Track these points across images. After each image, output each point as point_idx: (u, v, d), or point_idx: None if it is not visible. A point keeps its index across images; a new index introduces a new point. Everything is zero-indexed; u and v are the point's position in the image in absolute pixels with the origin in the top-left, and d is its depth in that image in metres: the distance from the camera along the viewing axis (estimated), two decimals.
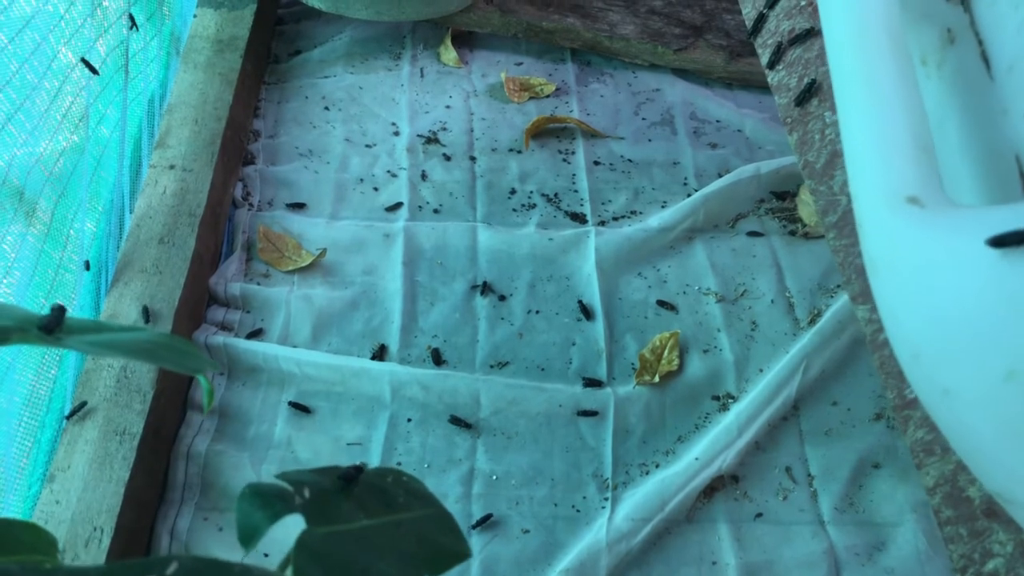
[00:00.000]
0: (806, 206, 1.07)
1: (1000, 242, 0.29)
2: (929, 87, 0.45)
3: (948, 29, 0.43)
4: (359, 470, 0.42)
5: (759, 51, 0.70)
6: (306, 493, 0.38)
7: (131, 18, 0.98)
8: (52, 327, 0.34)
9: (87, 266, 0.88)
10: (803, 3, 0.67)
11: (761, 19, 0.70)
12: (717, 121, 1.17)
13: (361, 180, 1.09)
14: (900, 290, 0.32)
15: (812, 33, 0.65)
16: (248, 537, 0.35)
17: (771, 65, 0.68)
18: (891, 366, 0.52)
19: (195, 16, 1.15)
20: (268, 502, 0.37)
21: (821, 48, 0.65)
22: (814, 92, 0.63)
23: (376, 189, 1.08)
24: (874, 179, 0.34)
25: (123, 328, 0.38)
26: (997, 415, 0.29)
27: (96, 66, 0.98)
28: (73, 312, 0.89)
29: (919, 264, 0.31)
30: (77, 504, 0.76)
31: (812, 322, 0.97)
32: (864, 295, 0.55)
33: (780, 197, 1.08)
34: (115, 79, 1.04)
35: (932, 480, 0.47)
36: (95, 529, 0.75)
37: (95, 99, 0.94)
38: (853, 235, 0.57)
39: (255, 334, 0.95)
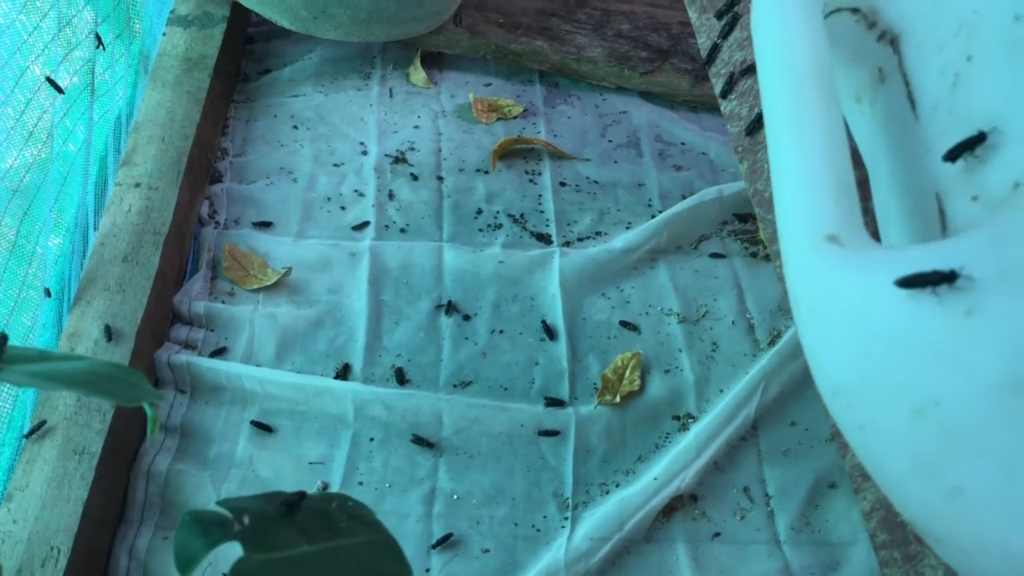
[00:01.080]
0: None
1: (908, 283, 0.30)
2: (863, 124, 0.47)
3: (879, 68, 0.44)
4: (302, 496, 0.42)
5: (713, 80, 0.72)
6: (246, 520, 0.39)
7: (98, 37, 0.98)
8: None
9: (48, 293, 0.88)
10: None
11: (715, 49, 0.72)
12: (682, 144, 1.19)
13: (328, 199, 1.10)
14: (819, 327, 0.33)
15: None
16: (185, 565, 0.35)
17: (723, 94, 0.69)
18: None
19: (164, 34, 1.15)
20: (207, 529, 0.37)
21: None
22: (763, 123, 0.65)
23: (343, 208, 1.09)
24: (796, 217, 0.35)
25: (67, 357, 0.38)
26: (907, 450, 0.30)
27: (64, 84, 0.98)
28: (34, 331, 0.89)
29: (835, 302, 0.33)
30: (34, 523, 0.76)
31: (772, 343, 0.99)
32: None
33: (743, 219, 1.10)
34: (82, 97, 1.04)
35: (868, 504, 0.48)
36: (52, 549, 0.75)
37: (61, 117, 0.95)
38: None
39: (219, 352, 0.95)
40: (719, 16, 0.72)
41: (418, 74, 1.23)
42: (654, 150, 1.18)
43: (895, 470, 0.31)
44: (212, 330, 0.97)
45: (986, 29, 0.35)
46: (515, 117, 1.20)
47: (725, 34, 0.71)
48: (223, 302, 0.99)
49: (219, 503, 0.39)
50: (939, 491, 0.29)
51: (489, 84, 1.25)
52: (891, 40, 0.43)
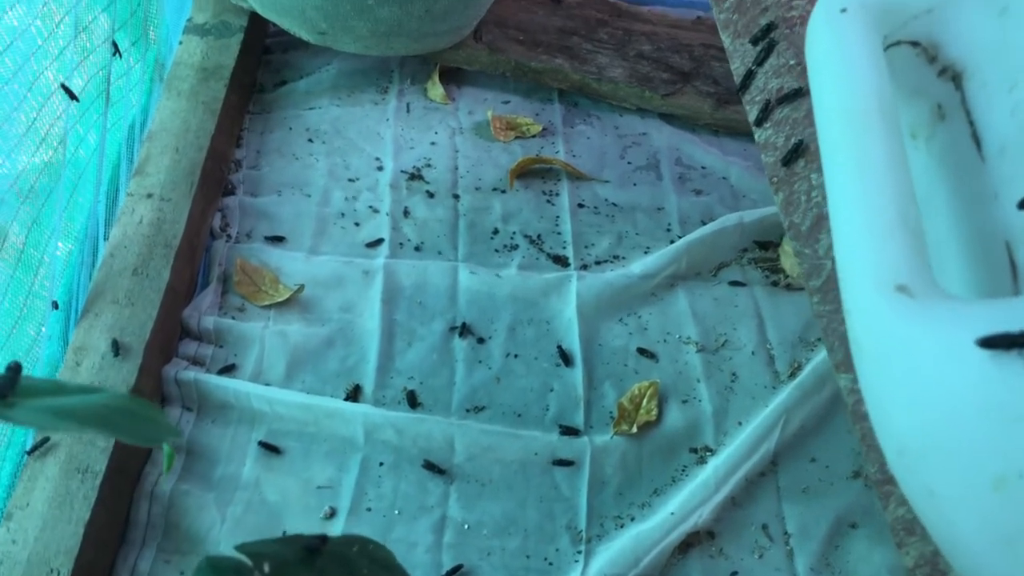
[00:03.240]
0: (788, 257, 1.07)
1: (990, 343, 0.28)
2: (918, 160, 0.45)
3: (939, 105, 0.42)
4: (323, 540, 0.40)
5: (747, 107, 0.70)
6: (266, 567, 0.37)
7: (114, 45, 0.97)
8: (5, 391, 0.32)
9: (55, 306, 0.86)
10: (792, 62, 0.67)
11: (749, 75, 0.70)
12: (703, 168, 1.17)
13: (342, 215, 1.08)
14: (887, 383, 0.31)
15: (800, 93, 0.65)
16: None
17: (759, 123, 0.68)
18: (872, 439, 0.51)
19: (180, 43, 1.14)
20: None
21: (809, 109, 0.64)
22: (801, 153, 0.63)
23: (357, 224, 1.07)
24: (862, 263, 0.33)
25: (82, 389, 0.36)
26: (984, 522, 0.28)
27: (78, 90, 0.96)
28: (40, 343, 0.87)
29: (907, 359, 0.30)
30: (34, 544, 0.74)
31: (792, 375, 0.96)
32: (847, 364, 0.54)
33: (763, 247, 1.08)
34: (96, 104, 1.02)
35: (912, 560, 0.46)
36: (52, 571, 0.73)
37: (75, 124, 0.93)
38: (837, 301, 0.57)
39: (227, 369, 0.93)
40: (754, 42, 0.70)
41: (436, 89, 1.21)
42: (674, 173, 1.16)
43: (970, 541, 0.29)
44: (221, 346, 0.95)
45: None
46: (533, 136, 1.18)
47: (760, 61, 0.69)
48: (233, 317, 0.97)
49: (238, 548, 0.37)
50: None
51: (508, 102, 1.23)
52: (953, 76, 0.41)
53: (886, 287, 0.32)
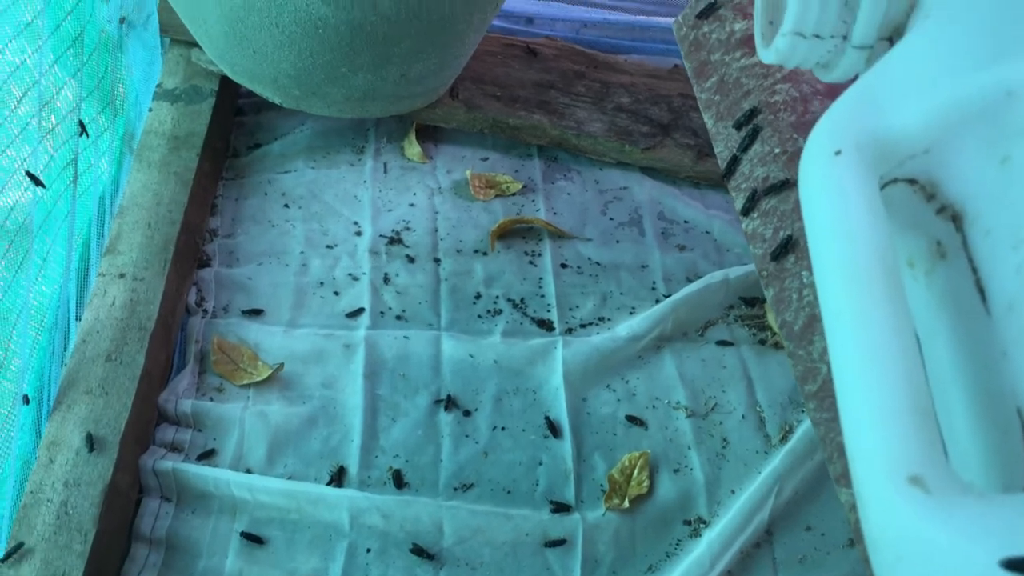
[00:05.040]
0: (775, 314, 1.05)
1: (1015, 566, 0.26)
2: (916, 292, 0.43)
3: (938, 242, 0.41)
4: None
5: (733, 194, 0.69)
6: None
7: (81, 124, 0.94)
8: None
9: (26, 400, 0.83)
10: (777, 150, 0.66)
11: (734, 162, 0.68)
12: (685, 222, 1.16)
13: (321, 283, 1.06)
14: None
15: (788, 184, 0.64)
16: None
17: (745, 212, 0.66)
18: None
19: (151, 110, 1.11)
20: None
21: (797, 201, 0.63)
22: (791, 248, 0.61)
23: (337, 293, 1.05)
24: (872, 449, 0.32)
25: None
26: None
27: (43, 165, 0.94)
28: (11, 440, 0.84)
29: (924, 561, 0.29)
30: None
31: (784, 439, 0.95)
32: (846, 477, 0.53)
33: (749, 303, 1.07)
34: (63, 177, 1.00)
35: None
36: None
37: (40, 208, 0.90)
38: (834, 409, 0.55)
39: (207, 455, 0.90)
40: (738, 127, 0.69)
41: (413, 148, 1.19)
42: (657, 229, 1.15)
43: None
44: (200, 430, 0.92)
45: None
46: (514, 194, 1.17)
47: (745, 147, 0.68)
48: (211, 399, 0.94)
49: None
50: None
51: (486, 158, 1.21)
52: (953, 216, 0.39)
53: (899, 478, 0.30)
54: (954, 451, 0.38)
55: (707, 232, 1.15)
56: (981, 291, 0.37)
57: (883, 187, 0.41)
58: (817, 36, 0.46)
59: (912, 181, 0.40)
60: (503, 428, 0.95)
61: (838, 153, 0.38)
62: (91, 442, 0.83)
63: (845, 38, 0.46)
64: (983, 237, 0.37)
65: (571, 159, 1.22)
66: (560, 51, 1.26)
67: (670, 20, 1.35)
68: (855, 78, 0.49)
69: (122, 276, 0.96)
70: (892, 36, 0.45)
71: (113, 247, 0.98)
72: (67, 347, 0.92)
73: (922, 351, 0.44)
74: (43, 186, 0.87)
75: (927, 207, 0.40)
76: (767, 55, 0.49)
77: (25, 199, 0.93)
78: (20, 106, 0.96)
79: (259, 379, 0.95)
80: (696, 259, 1.12)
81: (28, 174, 0.85)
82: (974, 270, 0.38)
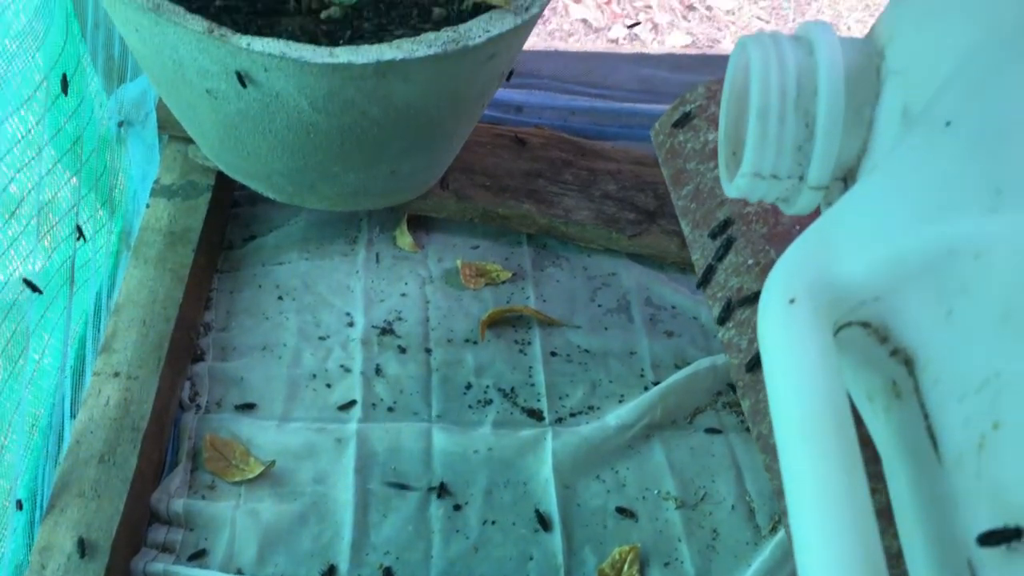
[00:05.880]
0: None
1: None
2: (877, 425, 0.45)
3: (894, 382, 0.42)
4: None
5: (709, 303, 0.70)
6: None
7: (79, 229, 0.97)
8: None
9: (19, 506, 0.84)
10: (750, 262, 0.68)
11: (710, 271, 0.70)
12: (673, 307, 1.18)
13: (314, 376, 1.07)
14: None
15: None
16: None
17: (721, 321, 0.68)
18: None
19: (148, 206, 1.14)
20: None
21: None
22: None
23: (329, 386, 1.06)
24: None
25: None
26: None
27: (39, 267, 0.96)
28: (4, 546, 0.84)
29: None
30: None
31: (773, 529, 0.95)
32: None
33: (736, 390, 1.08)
34: (60, 277, 1.02)
35: None
36: None
37: (40, 320, 0.92)
38: None
39: (198, 555, 0.90)
40: (713, 236, 0.71)
41: (404, 238, 1.22)
42: (645, 315, 1.17)
43: None
44: (192, 529, 0.93)
45: (1012, 399, 0.34)
46: (503, 282, 1.19)
47: (720, 256, 0.69)
48: (203, 497, 0.95)
49: None
50: None
51: (476, 246, 1.24)
52: (905, 360, 0.41)
53: None
54: None
55: (694, 318, 1.17)
56: (932, 437, 0.38)
57: (838, 330, 0.42)
58: (775, 176, 0.48)
59: (866, 324, 0.42)
60: (493, 522, 0.95)
61: (792, 301, 0.40)
62: (83, 547, 0.83)
63: (801, 178, 0.48)
64: (933, 385, 0.39)
65: (560, 246, 1.24)
66: (548, 140, 1.29)
67: (655, 107, 1.38)
68: (817, 209, 0.51)
69: (117, 375, 0.97)
70: (846, 177, 0.47)
71: (108, 345, 1.00)
72: (61, 447, 0.93)
73: (887, 481, 0.45)
74: (40, 292, 0.89)
75: (881, 349, 0.42)
76: (730, 189, 0.51)
77: (23, 297, 0.95)
78: (19, 209, 0.98)
79: (251, 476, 0.96)
80: (684, 345, 1.13)
81: (26, 281, 0.87)
82: (925, 416, 0.39)
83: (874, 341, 0.42)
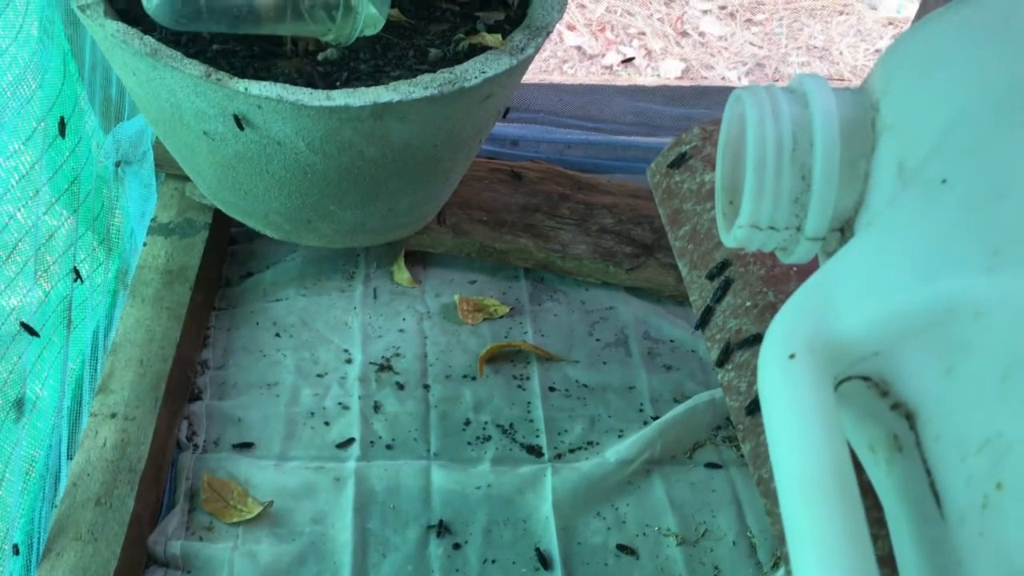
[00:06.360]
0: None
1: None
2: (879, 476, 0.45)
3: (895, 435, 0.42)
4: None
5: (707, 344, 0.70)
6: None
7: (76, 271, 0.97)
8: None
9: (16, 551, 0.83)
10: (748, 304, 0.68)
11: (708, 312, 0.70)
12: (671, 341, 1.18)
13: (312, 414, 1.07)
14: None
15: (759, 339, 0.65)
16: None
17: (720, 364, 0.68)
18: None
19: (145, 244, 1.14)
20: None
21: None
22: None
23: (327, 424, 1.06)
24: None
25: None
26: None
27: (35, 308, 0.96)
28: None
29: None
30: None
31: (775, 566, 0.95)
32: None
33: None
34: (57, 316, 1.02)
35: None
36: None
37: (36, 359, 0.92)
38: None
39: None
40: (710, 277, 0.71)
41: (402, 273, 1.22)
42: (643, 349, 1.17)
43: None
44: (189, 572, 0.92)
45: (1016, 460, 0.34)
46: (501, 317, 1.19)
47: (718, 298, 0.70)
48: (201, 538, 0.94)
49: None
50: None
51: (474, 281, 1.24)
52: (907, 415, 0.41)
53: None
54: None
55: (693, 351, 1.17)
56: (935, 494, 0.38)
57: (839, 384, 0.42)
58: (772, 228, 0.48)
59: (866, 378, 0.42)
60: (493, 561, 0.95)
61: (792, 357, 0.40)
62: None
63: (799, 229, 0.48)
64: (934, 441, 0.39)
65: (557, 280, 1.25)
66: (545, 174, 1.30)
67: (650, 140, 1.39)
68: (815, 259, 0.52)
69: (113, 416, 0.97)
70: (843, 228, 0.47)
71: (105, 385, 0.99)
72: (58, 490, 0.93)
73: (890, 530, 0.45)
74: (37, 335, 0.88)
75: (881, 402, 0.42)
76: (728, 239, 0.52)
77: (20, 336, 0.95)
78: (17, 248, 0.98)
79: (249, 517, 0.95)
80: (682, 379, 1.13)
81: (23, 324, 0.87)
82: (928, 471, 0.39)
83: (875, 395, 0.42)
